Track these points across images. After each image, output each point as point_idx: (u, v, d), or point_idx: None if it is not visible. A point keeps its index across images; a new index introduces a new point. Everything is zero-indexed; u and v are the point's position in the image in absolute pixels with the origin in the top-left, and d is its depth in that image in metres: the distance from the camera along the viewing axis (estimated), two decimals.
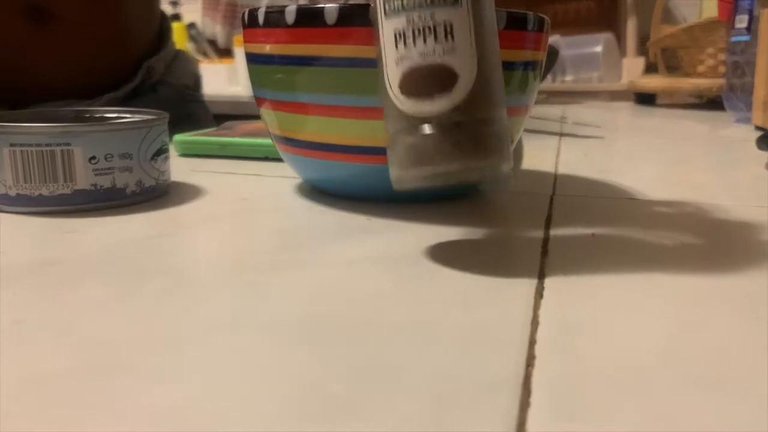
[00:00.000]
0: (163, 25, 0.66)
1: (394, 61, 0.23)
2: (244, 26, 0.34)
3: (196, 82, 0.71)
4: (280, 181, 0.40)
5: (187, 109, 0.67)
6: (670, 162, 0.50)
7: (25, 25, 0.52)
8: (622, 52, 1.46)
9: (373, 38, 0.25)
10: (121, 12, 0.58)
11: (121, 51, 0.60)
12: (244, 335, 0.19)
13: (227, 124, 0.59)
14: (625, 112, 1.05)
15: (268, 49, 0.32)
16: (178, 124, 0.58)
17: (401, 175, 0.24)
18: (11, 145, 0.31)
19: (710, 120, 0.88)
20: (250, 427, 0.14)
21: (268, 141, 0.47)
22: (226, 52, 1.97)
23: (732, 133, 0.73)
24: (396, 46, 0.23)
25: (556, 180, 0.42)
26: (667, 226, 0.31)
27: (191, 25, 1.95)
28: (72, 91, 0.56)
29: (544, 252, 0.27)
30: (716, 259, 0.26)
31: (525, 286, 0.23)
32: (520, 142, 0.59)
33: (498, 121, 0.24)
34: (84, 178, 0.32)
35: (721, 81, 0.97)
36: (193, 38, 1.92)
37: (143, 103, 0.59)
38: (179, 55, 0.69)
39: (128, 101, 0.60)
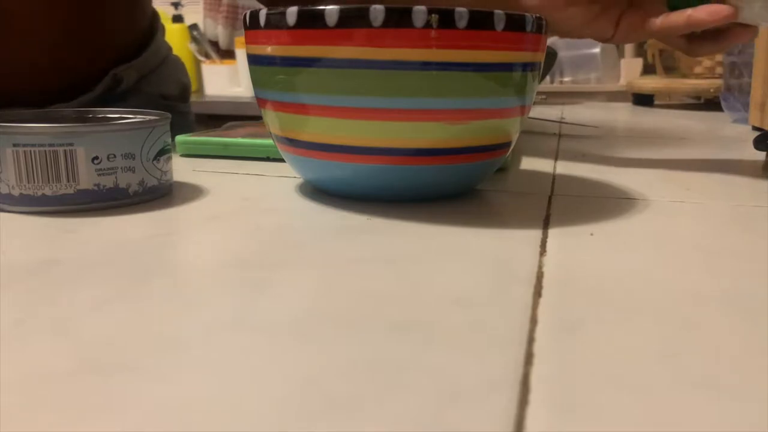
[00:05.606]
0: (153, 27, 0.61)
1: None
2: (246, 28, 0.34)
3: (181, 91, 0.66)
4: (281, 181, 0.41)
5: None
6: (668, 162, 0.50)
7: None
8: (620, 53, 1.46)
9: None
10: (91, 13, 0.53)
11: (88, 55, 0.54)
12: (244, 335, 0.19)
13: (229, 124, 0.59)
14: (623, 112, 1.05)
15: (269, 50, 0.32)
16: None
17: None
18: (14, 145, 0.31)
19: (708, 120, 0.88)
20: (250, 426, 0.14)
21: (269, 141, 0.47)
22: (227, 53, 1.97)
23: (729, 133, 0.73)
24: None
25: (554, 180, 0.42)
26: (665, 227, 0.31)
27: (193, 27, 1.96)
28: (20, 97, 0.51)
29: (543, 251, 0.27)
30: (715, 258, 0.26)
31: (524, 284, 0.23)
32: (518, 143, 0.59)
33: None
34: (87, 178, 0.32)
35: (719, 82, 0.97)
36: (194, 39, 1.93)
37: None
38: (168, 60, 0.64)
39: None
